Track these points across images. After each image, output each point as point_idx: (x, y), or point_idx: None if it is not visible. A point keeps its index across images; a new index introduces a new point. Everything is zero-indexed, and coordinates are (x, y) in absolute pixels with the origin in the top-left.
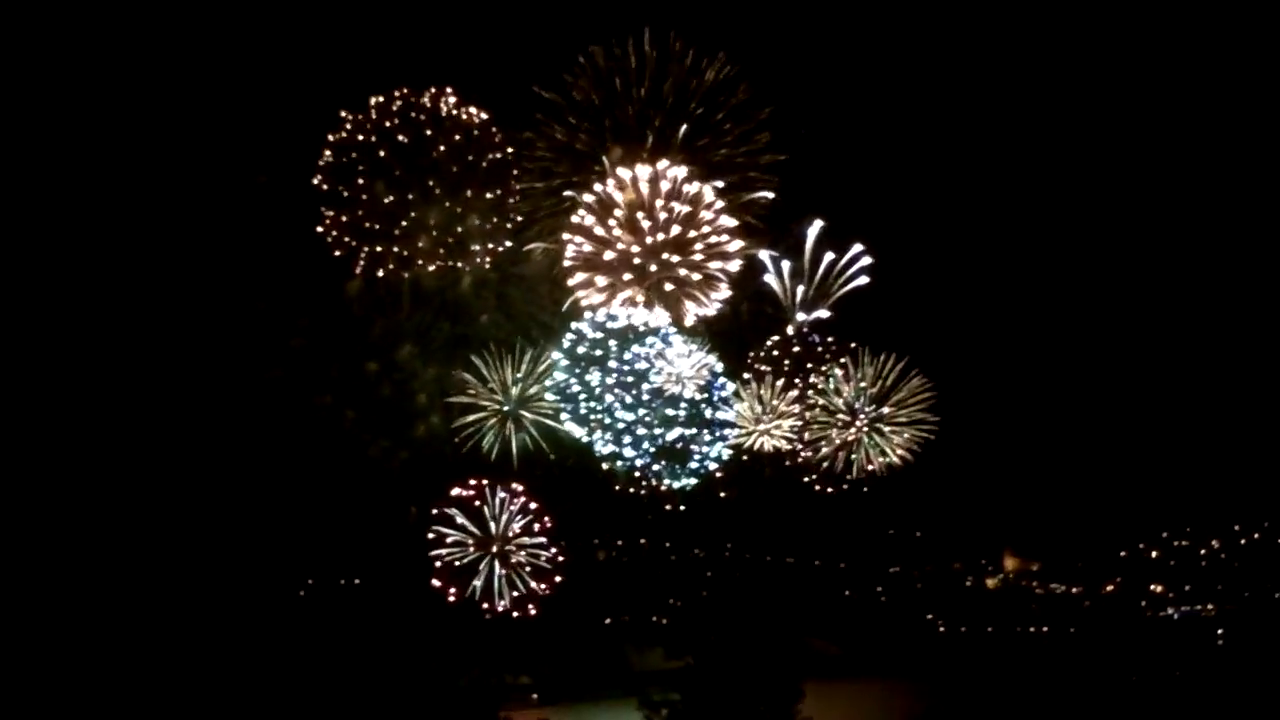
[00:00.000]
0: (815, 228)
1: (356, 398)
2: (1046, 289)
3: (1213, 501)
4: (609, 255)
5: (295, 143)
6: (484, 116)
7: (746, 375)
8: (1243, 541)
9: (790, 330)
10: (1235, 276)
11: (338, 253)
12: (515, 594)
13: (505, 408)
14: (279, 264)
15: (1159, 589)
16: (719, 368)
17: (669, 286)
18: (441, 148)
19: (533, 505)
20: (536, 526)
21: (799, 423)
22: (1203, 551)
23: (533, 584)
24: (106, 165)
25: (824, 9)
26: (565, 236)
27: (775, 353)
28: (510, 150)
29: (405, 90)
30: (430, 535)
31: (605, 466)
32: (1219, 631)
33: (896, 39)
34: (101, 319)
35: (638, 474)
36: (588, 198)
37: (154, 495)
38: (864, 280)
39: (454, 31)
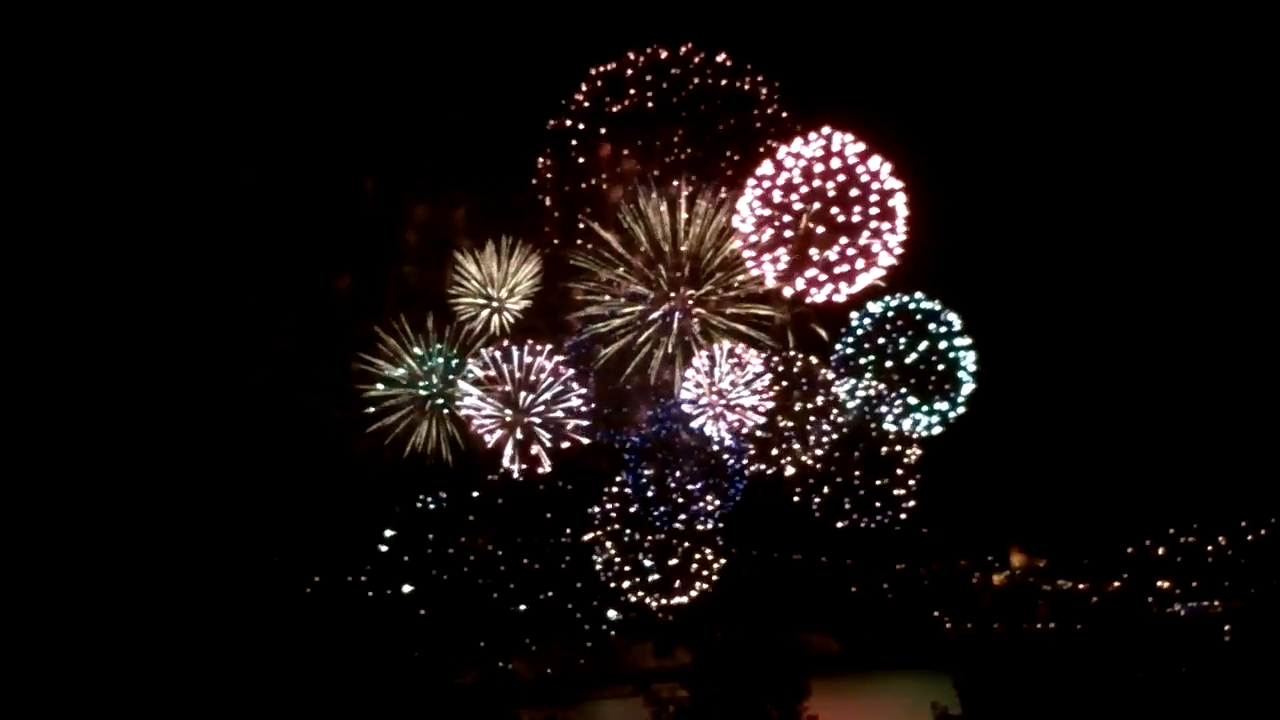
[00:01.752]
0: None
1: (342, 397)
2: (1053, 287)
3: (1219, 498)
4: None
5: (284, 142)
6: None
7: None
8: (1249, 538)
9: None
10: (1240, 275)
11: None
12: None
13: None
14: (265, 263)
15: (1166, 585)
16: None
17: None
18: None
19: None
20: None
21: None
22: (1209, 548)
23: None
24: (96, 165)
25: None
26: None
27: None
28: None
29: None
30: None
31: None
32: (1225, 628)
33: (899, 36)
34: (94, 320)
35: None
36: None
37: (147, 495)
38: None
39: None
